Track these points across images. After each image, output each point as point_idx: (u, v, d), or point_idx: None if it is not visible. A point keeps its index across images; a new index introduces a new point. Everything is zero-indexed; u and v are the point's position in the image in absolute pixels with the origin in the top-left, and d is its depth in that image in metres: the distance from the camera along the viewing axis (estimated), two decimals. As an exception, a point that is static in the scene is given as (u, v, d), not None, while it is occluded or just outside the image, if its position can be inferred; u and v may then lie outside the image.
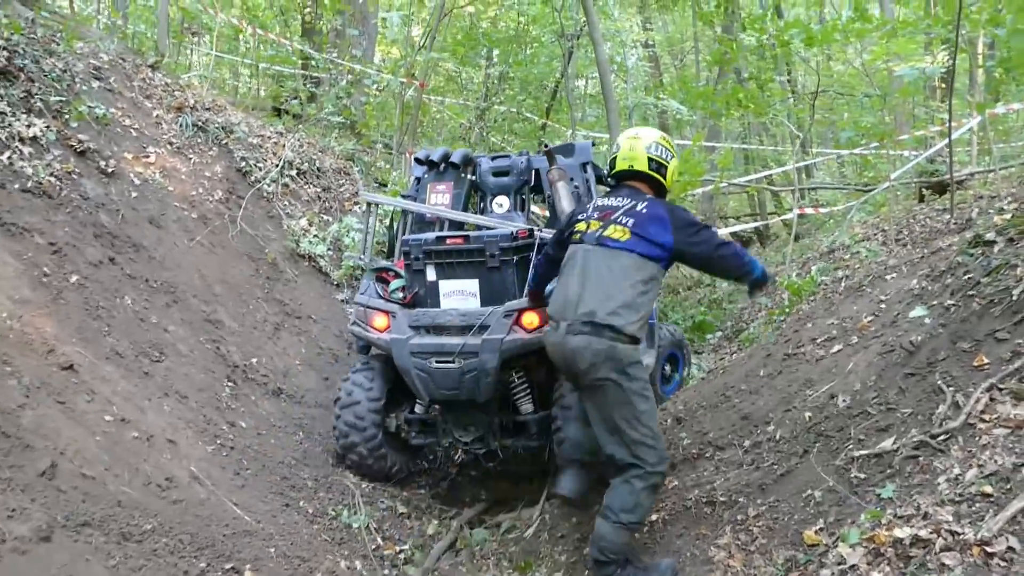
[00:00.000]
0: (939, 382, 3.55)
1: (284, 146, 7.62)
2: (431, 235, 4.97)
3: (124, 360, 4.29)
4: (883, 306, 4.70)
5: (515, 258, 4.73)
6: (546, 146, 5.38)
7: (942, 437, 3.24)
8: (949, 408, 3.37)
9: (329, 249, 7.10)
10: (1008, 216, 4.34)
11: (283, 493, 4.33)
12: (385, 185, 8.34)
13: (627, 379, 3.56)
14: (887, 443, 3.45)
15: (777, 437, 4.11)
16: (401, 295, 4.96)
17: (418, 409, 5.07)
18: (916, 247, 6.12)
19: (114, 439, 3.53)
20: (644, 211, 3.73)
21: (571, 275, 3.74)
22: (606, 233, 3.73)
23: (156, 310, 5.03)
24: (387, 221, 6.19)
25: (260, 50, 12.95)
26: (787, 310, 5.94)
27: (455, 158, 5.44)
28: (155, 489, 3.44)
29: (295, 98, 10.14)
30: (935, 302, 4.24)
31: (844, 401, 3.97)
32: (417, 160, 5.67)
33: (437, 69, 15.59)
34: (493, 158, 5.70)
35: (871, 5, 8.80)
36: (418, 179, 5.61)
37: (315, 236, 7.07)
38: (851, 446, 3.61)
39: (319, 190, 7.66)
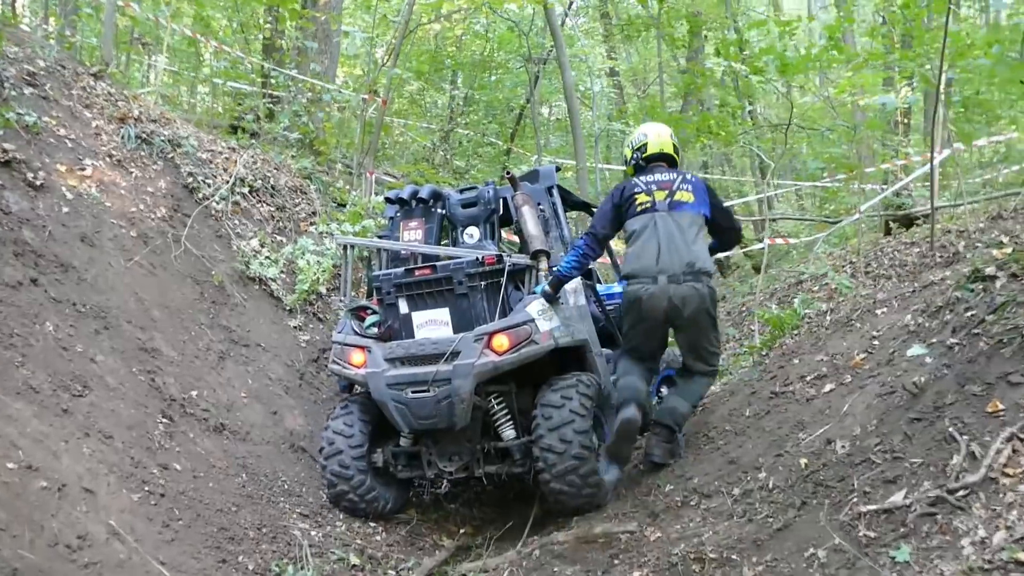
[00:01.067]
0: (950, 429, 3.24)
1: (236, 162, 7.15)
2: (400, 269, 5.07)
3: (38, 395, 3.78)
4: (876, 343, 4.40)
5: (483, 283, 4.85)
6: (508, 172, 5.44)
7: (961, 492, 2.91)
8: (965, 459, 3.05)
9: (282, 272, 6.63)
10: (1009, 250, 4.09)
11: (220, 546, 3.84)
12: (344, 205, 7.90)
13: (714, 309, 4.70)
14: (897, 497, 3.11)
15: (770, 485, 3.76)
16: (376, 330, 5.08)
17: (403, 442, 5.10)
18: (903, 280, 5.88)
19: (15, 491, 3.03)
20: (692, 180, 4.83)
21: (652, 238, 4.59)
22: (676, 199, 4.68)
23: (82, 338, 4.52)
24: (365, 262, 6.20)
25: (218, 67, 12.48)
26: (768, 344, 5.63)
27: (423, 194, 5.52)
28: (63, 551, 2.95)
29: (252, 114, 9.68)
30: (934, 340, 3.95)
31: (843, 447, 3.64)
32: (387, 200, 5.78)
33: (401, 91, 15.27)
34: (461, 191, 5.78)
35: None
36: (391, 218, 5.71)
37: (267, 258, 6.60)
38: (855, 499, 3.27)
39: (273, 209, 7.20)
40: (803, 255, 13.34)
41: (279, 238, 7.01)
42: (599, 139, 17.50)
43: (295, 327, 6.40)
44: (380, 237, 5.77)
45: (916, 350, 3.99)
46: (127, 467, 3.88)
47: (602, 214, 4.89)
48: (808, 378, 4.48)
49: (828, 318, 5.23)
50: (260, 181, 7.27)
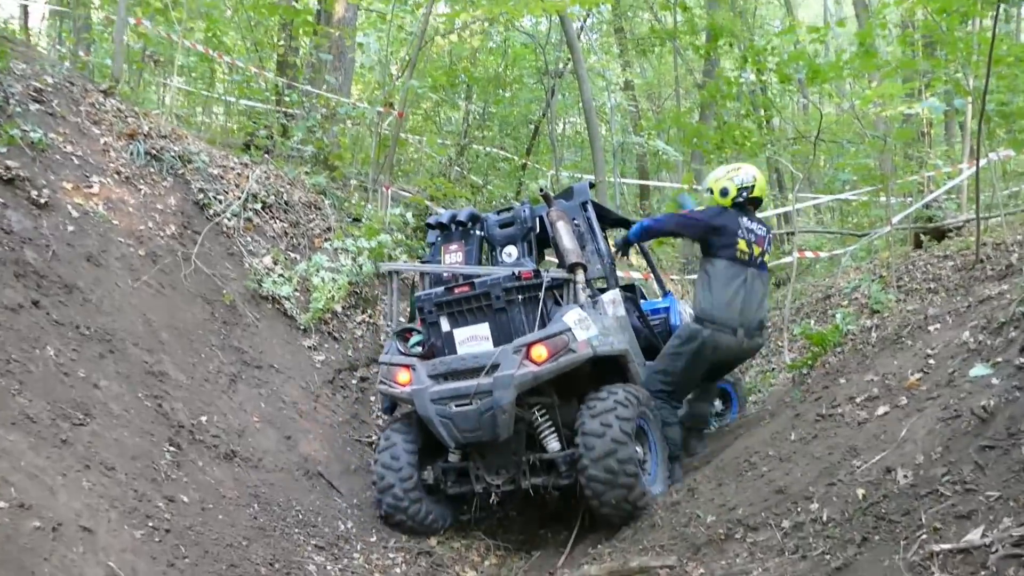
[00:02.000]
0: (1029, 458, 2.93)
1: (248, 178, 6.95)
2: (440, 288, 5.23)
3: (35, 425, 3.54)
4: (932, 362, 4.09)
5: (520, 297, 4.99)
6: (543, 191, 5.62)
7: (1051, 531, 2.60)
8: (1051, 492, 2.75)
9: (296, 290, 6.39)
10: (1077, 260, 3.77)
11: (228, 586, 3.57)
12: (359, 220, 7.67)
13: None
14: (974, 535, 2.79)
15: (824, 518, 3.43)
16: (420, 349, 5.23)
17: (452, 458, 5.19)
18: (951, 295, 5.55)
19: (6, 532, 2.78)
20: (770, 236, 5.36)
21: (741, 292, 5.05)
22: (764, 260, 5.24)
23: (85, 362, 4.29)
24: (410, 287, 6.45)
25: (233, 83, 12.35)
26: (809, 362, 5.31)
27: (461, 217, 5.70)
28: (55, 598, 2.68)
29: (266, 130, 9.52)
30: (999, 359, 3.64)
31: (905, 477, 3.32)
32: (428, 226, 5.99)
33: (417, 107, 15.11)
34: (498, 212, 5.96)
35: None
36: (432, 244, 5.89)
37: (280, 275, 6.36)
38: (925, 536, 2.95)
39: (286, 225, 6.98)
40: (828, 269, 12.99)
41: (293, 255, 6.79)
42: (617, 153, 17.27)
43: (310, 347, 6.16)
44: (423, 262, 6.02)
45: (980, 370, 3.67)
46: (130, 501, 3.62)
47: (691, 220, 5.31)
48: (858, 399, 4.16)
49: (874, 335, 4.92)
50: (273, 197, 7.07)
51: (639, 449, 4.80)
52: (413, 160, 14.81)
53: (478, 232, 5.70)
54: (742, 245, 5.09)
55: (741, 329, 5.01)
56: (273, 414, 5.35)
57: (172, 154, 6.54)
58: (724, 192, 5.27)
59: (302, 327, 6.21)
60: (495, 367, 4.77)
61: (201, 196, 6.42)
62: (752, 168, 5.37)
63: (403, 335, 5.39)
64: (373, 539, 4.91)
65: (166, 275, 5.59)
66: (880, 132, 11.39)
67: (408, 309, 6.09)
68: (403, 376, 5.09)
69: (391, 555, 4.80)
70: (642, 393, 4.99)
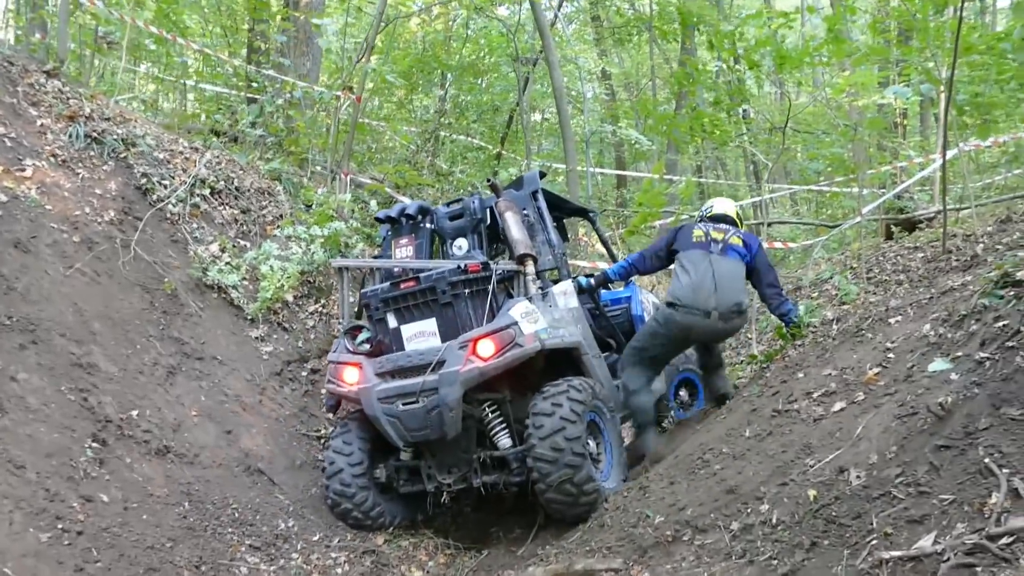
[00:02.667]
0: (985, 460, 2.78)
1: (196, 162, 6.67)
2: (386, 284, 5.11)
3: (-67, 422, 3.29)
4: (891, 355, 3.93)
5: (467, 291, 4.85)
6: (489, 180, 5.52)
7: (1005, 540, 2.44)
8: (1007, 497, 2.59)
9: (244, 279, 6.14)
10: (1041, 251, 3.62)
11: (142, 593, 3.35)
12: (310, 206, 7.41)
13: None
14: (926, 542, 2.64)
15: (773, 520, 3.27)
16: (368, 346, 5.08)
17: (403, 456, 5.09)
18: (915, 286, 5.42)
19: None
20: (748, 235, 5.47)
21: (705, 274, 5.09)
22: (729, 243, 5.26)
23: (3, 354, 4.04)
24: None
25: (196, 68, 12.00)
26: (769, 356, 5.16)
27: (410, 210, 5.60)
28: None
29: (225, 115, 9.23)
30: (960, 353, 3.49)
31: (858, 477, 3.16)
32: (377, 220, 5.91)
33: (389, 96, 14.82)
34: (448, 204, 5.91)
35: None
36: (383, 239, 5.80)
37: (227, 264, 6.11)
38: (875, 541, 2.80)
39: (236, 212, 6.71)
40: (801, 260, 12.89)
41: (242, 243, 6.53)
42: (590, 142, 17.06)
43: (257, 338, 5.92)
44: (375, 257, 5.90)
45: (939, 365, 3.51)
46: (39, 501, 3.39)
47: (657, 246, 5.61)
48: (815, 395, 4.00)
49: (835, 327, 4.76)
50: (223, 183, 6.80)
51: (592, 443, 4.73)
52: (387, 148, 14.54)
53: (428, 225, 5.60)
54: (698, 232, 5.30)
55: (715, 312, 5.03)
56: (213, 408, 5.11)
57: (115, 137, 6.25)
58: (689, 226, 5.63)
59: (249, 317, 5.97)
60: (441, 364, 4.67)
61: (144, 181, 6.15)
62: (716, 199, 6.11)
63: (352, 333, 5.23)
64: (316, 538, 4.70)
65: (102, 263, 5.33)
66: (852, 122, 11.30)
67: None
68: (350, 375, 5.00)
69: (333, 554, 4.59)
70: (597, 387, 4.91)
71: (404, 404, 4.71)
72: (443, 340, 4.84)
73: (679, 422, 5.88)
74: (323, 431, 5.68)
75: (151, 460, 4.37)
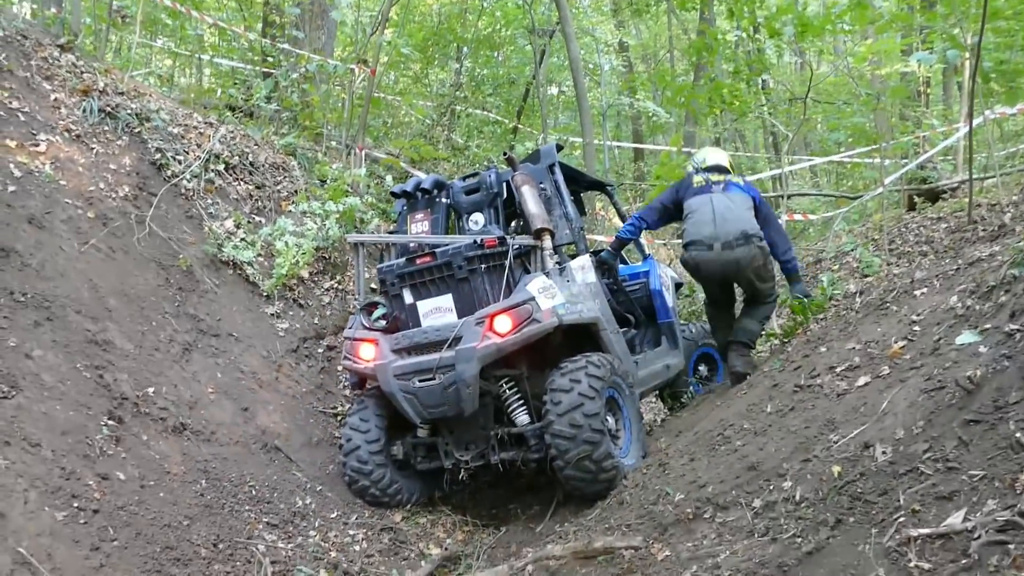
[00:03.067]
0: (1017, 434, 2.69)
1: (211, 137, 6.62)
2: (402, 259, 5.05)
3: (-53, 399, 3.29)
4: (917, 328, 3.84)
5: (483, 266, 4.79)
6: (506, 153, 5.47)
7: (1039, 516, 2.37)
8: (1040, 472, 2.51)
9: (259, 255, 6.11)
10: (1074, 219, 3.50)
11: (160, 570, 3.36)
12: (324, 181, 7.35)
13: (765, 262, 5.36)
14: (956, 519, 2.56)
15: (797, 497, 3.21)
16: (384, 323, 5.07)
17: (420, 433, 5.08)
18: (940, 257, 5.29)
19: None
20: (746, 181, 5.69)
21: (707, 212, 5.32)
22: (731, 181, 5.49)
23: (18, 331, 4.02)
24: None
25: (211, 42, 11.93)
26: (790, 330, 5.07)
27: (426, 184, 5.53)
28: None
29: (240, 89, 9.16)
30: (988, 325, 3.39)
31: (884, 453, 3.09)
32: (393, 195, 5.88)
33: (404, 67, 14.68)
34: (464, 178, 5.82)
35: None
36: (399, 214, 5.74)
37: (242, 240, 6.08)
38: (902, 518, 2.73)
39: (251, 187, 6.67)
40: (821, 233, 12.69)
41: (257, 219, 6.49)
42: (607, 115, 16.83)
43: (273, 314, 5.89)
44: (391, 232, 5.85)
45: (967, 337, 3.42)
46: (55, 480, 3.38)
47: (662, 198, 5.75)
48: (838, 369, 3.92)
49: (859, 300, 4.66)
50: (238, 158, 6.75)
51: (611, 419, 4.67)
52: (402, 123, 14.43)
53: (444, 200, 5.53)
54: (697, 179, 5.57)
55: (718, 243, 5.20)
56: (230, 385, 5.10)
57: (129, 112, 6.21)
58: (690, 175, 5.81)
59: (265, 294, 5.94)
60: (457, 340, 4.63)
61: (159, 156, 6.11)
62: (706, 149, 6.22)
63: (368, 309, 5.21)
64: (333, 515, 4.70)
65: (117, 239, 5.31)
66: (875, 91, 11.05)
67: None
68: (367, 351, 4.97)
69: (351, 532, 4.58)
70: (616, 363, 4.82)
71: (421, 381, 4.68)
72: (459, 316, 4.79)
73: (698, 397, 5.80)
74: (340, 408, 5.66)
75: (168, 438, 4.36)
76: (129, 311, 4.90)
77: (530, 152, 6.08)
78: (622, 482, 4.39)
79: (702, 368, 6.44)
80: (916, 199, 10.85)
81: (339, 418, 5.60)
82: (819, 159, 11.92)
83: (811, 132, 15.13)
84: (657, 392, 6.29)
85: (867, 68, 11.45)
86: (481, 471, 5.20)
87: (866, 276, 8.11)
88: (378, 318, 5.13)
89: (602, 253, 5.80)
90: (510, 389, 4.86)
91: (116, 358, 4.50)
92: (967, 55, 6.74)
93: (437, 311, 4.88)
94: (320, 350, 5.99)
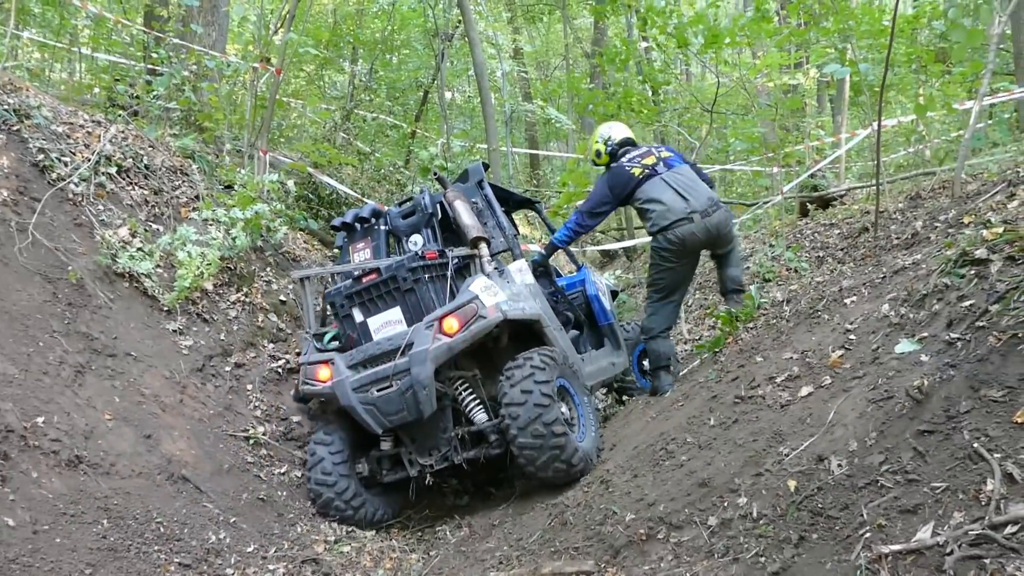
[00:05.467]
0: (974, 444, 2.71)
1: (100, 137, 6.08)
2: (348, 280, 5.23)
3: None
4: (852, 337, 3.88)
5: (427, 276, 5.03)
6: (436, 174, 5.98)
7: (1010, 528, 2.37)
8: (1002, 483, 2.52)
9: (158, 266, 5.62)
10: (1000, 230, 3.61)
11: (64, 629, 2.95)
12: (231, 187, 6.90)
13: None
14: (925, 534, 2.55)
15: (754, 514, 3.15)
16: (337, 344, 5.23)
17: (384, 446, 5.16)
18: (859, 264, 5.43)
19: None
20: (662, 147, 5.76)
21: (666, 191, 5.34)
22: (663, 158, 5.56)
23: None
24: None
25: (89, 33, 11.07)
26: (720, 341, 5.07)
27: (364, 214, 5.73)
28: None
29: (129, 85, 8.49)
30: (925, 334, 3.44)
31: (840, 466, 3.07)
32: (333, 227, 6.02)
33: (298, 70, 14.15)
34: (399, 204, 6.08)
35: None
36: (339, 247, 5.90)
37: (139, 249, 5.58)
38: (868, 534, 2.70)
39: (147, 193, 6.15)
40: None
41: (155, 227, 5.99)
42: (508, 122, 16.77)
43: (175, 331, 5.43)
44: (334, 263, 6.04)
45: (906, 346, 3.47)
46: (-68, 532, 2.92)
47: (597, 195, 5.65)
48: (778, 380, 3.92)
49: (787, 308, 4.70)
50: (131, 160, 6.22)
51: (564, 409, 4.80)
52: (296, 126, 13.88)
53: (382, 227, 5.69)
54: (636, 171, 5.50)
55: (696, 214, 5.25)
56: (129, 410, 4.64)
57: (5, 107, 5.61)
58: (598, 154, 5.85)
59: (165, 308, 5.47)
60: (410, 346, 4.78)
61: (41, 157, 5.53)
62: (606, 124, 6.05)
63: (318, 335, 5.36)
64: (250, 549, 4.33)
65: (-6, 250, 4.76)
66: (769, 102, 11.45)
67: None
68: (323, 372, 5.05)
69: (271, 566, 4.24)
70: (559, 354, 4.98)
71: (379, 390, 4.80)
72: (409, 326, 4.94)
73: (629, 404, 5.76)
74: (251, 431, 5.27)
75: (61, 473, 3.90)
76: (12, 331, 4.38)
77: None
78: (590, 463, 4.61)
79: (646, 362, 6.53)
80: (809, 206, 11.32)
81: (250, 441, 5.23)
82: (719, 166, 12.25)
83: (716, 139, 15.56)
84: (607, 389, 6.57)
85: (759, 80, 11.85)
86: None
87: (767, 280, 8.36)
88: (330, 340, 5.27)
89: (535, 257, 5.97)
90: (465, 390, 5.04)
91: (-1, 385, 3.99)
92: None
93: (387, 324, 5.03)
94: (228, 368, 5.57)
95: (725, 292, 5.73)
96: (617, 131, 5.86)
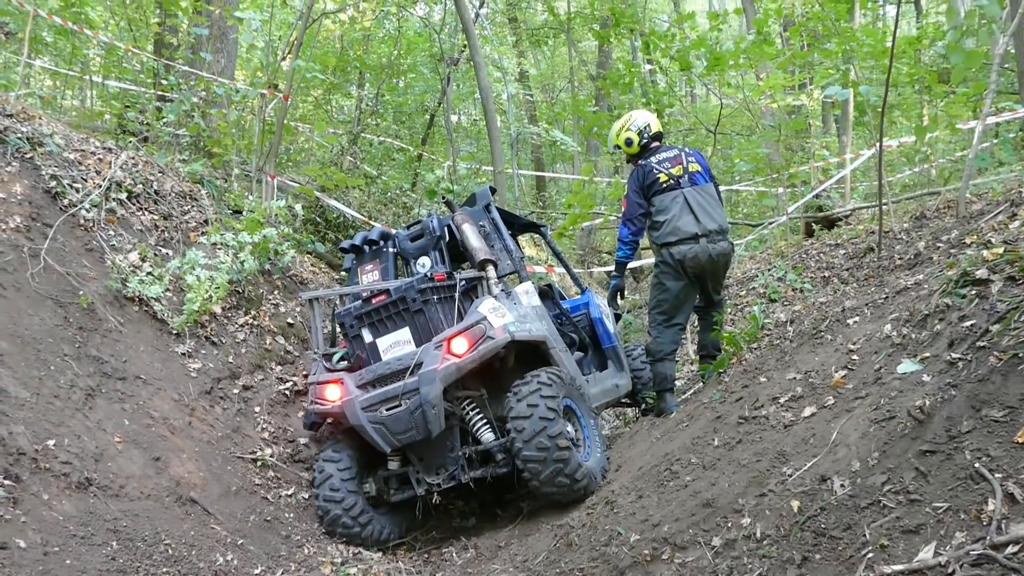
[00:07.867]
0: (975, 464, 2.73)
1: (111, 164, 6.18)
2: (358, 301, 5.29)
3: None
4: (855, 357, 3.90)
5: (436, 297, 5.10)
6: (444, 198, 5.98)
7: (1012, 548, 2.38)
8: (1003, 503, 2.54)
9: (167, 290, 5.70)
10: (1000, 251, 3.64)
11: (74, 651, 2.97)
12: (240, 212, 6.99)
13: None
14: (927, 554, 2.56)
15: (758, 534, 3.16)
16: (346, 363, 5.25)
17: (391, 465, 5.20)
18: (862, 285, 5.46)
19: None
20: (692, 152, 5.69)
21: (684, 208, 5.36)
22: (690, 171, 5.49)
23: None
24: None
25: (102, 62, 11.25)
26: (724, 362, 5.09)
27: (372, 236, 5.82)
28: None
29: (138, 112, 8.64)
30: (928, 354, 3.47)
31: (843, 486, 3.08)
32: (342, 250, 6.08)
33: (306, 95, 14.31)
34: (408, 227, 6.07)
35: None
36: (347, 269, 5.97)
37: (148, 274, 5.66)
38: (871, 554, 2.71)
39: (157, 218, 6.24)
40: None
41: (164, 251, 6.08)
42: (514, 144, 16.93)
43: (184, 354, 5.50)
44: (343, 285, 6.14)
45: (908, 366, 3.49)
46: (-55, 555, 2.97)
47: (632, 199, 5.57)
48: (782, 400, 3.94)
49: (791, 328, 4.73)
50: (141, 186, 6.32)
51: (570, 428, 4.85)
52: (304, 150, 14.04)
53: (391, 249, 5.78)
54: (663, 177, 5.45)
55: (703, 238, 5.28)
56: (139, 432, 4.69)
57: (18, 135, 5.71)
58: (629, 142, 5.70)
59: (175, 331, 5.54)
60: (419, 365, 4.84)
61: (53, 183, 5.63)
62: (638, 112, 5.87)
63: (327, 355, 5.43)
64: (257, 571, 4.35)
65: (8, 274, 4.83)
66: (773, 123, 11.52)
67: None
68: (332, 392, 5.09)
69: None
70: (565, 375, 5.05)
71: (388, 409, 4.85)
72: (417, 346, 4.99)
73: (637, 425, 5.79)
74: (259, 453, 5.32)
75: (72, 495, 3.94)
76: (24, 355, 4.45)
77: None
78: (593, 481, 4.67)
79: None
80: (814, 226, 11.36)
81: (258, 463, 5.26)
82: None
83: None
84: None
85: (762, 101, 11.94)
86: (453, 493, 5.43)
87: (773, 300, 8.38)
88: (339, 359, 5.32)
89: (613, 281, 5.91)
90: (472, 410, 5.08)
91: (10, 408, 4.05)
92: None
93: (396, 344, 5.07)
94: (236, 391, 5.62)
95: (701, 349, 5.80)
96: (654, 122, 5.75)
